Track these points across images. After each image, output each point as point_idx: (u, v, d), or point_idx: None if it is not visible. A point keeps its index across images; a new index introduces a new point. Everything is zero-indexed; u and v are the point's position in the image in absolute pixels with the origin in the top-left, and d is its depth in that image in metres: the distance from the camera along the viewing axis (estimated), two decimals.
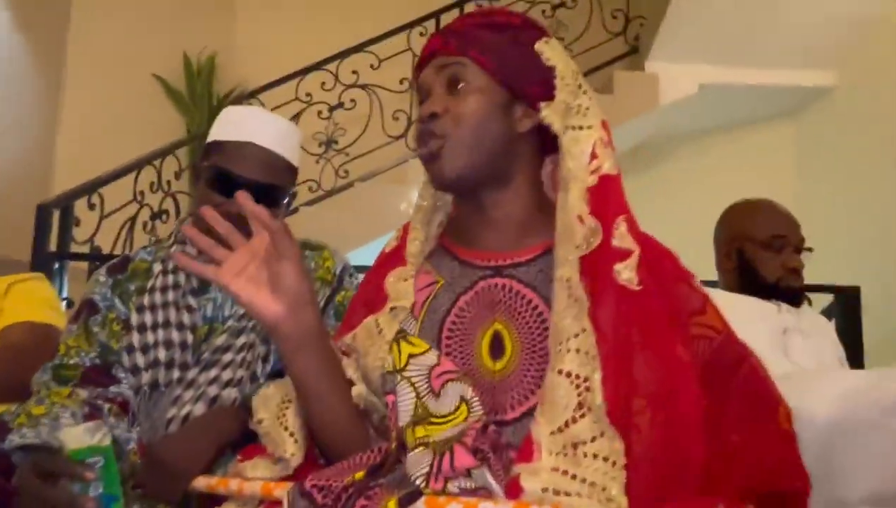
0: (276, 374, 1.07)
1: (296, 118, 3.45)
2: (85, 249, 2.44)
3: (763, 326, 1.40)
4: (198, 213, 1.13)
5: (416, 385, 0.73)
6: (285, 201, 1.14)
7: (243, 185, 1.04)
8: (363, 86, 3.47)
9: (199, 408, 0.99)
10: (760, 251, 1.45)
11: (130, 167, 2.67)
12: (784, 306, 1.43)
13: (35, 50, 3.33)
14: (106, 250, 2.58)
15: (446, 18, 3.61)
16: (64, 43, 3.62)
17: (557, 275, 0.71)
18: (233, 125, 1.07)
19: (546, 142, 0.81)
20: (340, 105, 3.46)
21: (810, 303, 1.92)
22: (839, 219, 3.31)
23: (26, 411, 0.92)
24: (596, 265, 0.70)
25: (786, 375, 1.07)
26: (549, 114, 0.77)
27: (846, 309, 2.10)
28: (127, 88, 3.74)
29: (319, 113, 3.48)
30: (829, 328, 1.51)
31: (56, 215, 2.24)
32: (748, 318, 1.40)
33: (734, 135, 3.94)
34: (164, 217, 2.90)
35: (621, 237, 0.72)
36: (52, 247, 2.26)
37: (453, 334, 0.76)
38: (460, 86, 0.78)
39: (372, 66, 3.44)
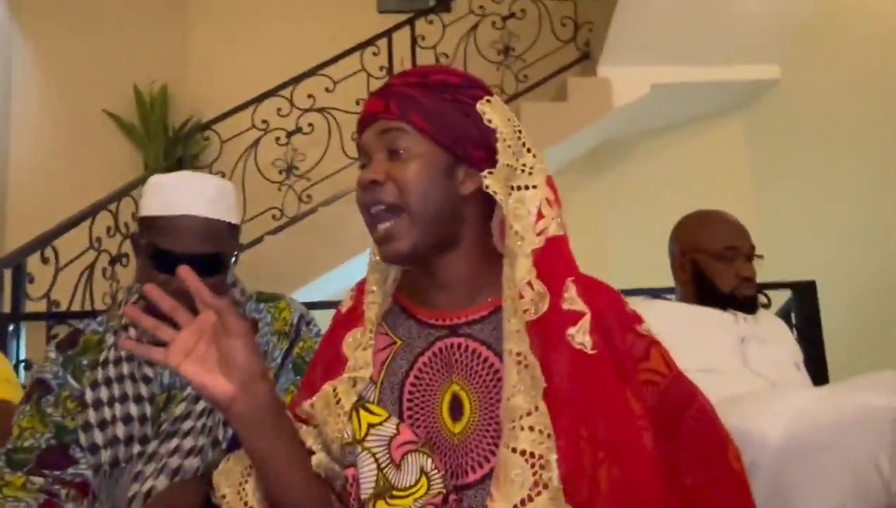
0: (238, 438, 1.06)
1: (253, 146, 3.42)
2: (41, 305, 2.37)
3: (722, 337, 1.43)
4: (142, 291, 1.12)
5: (377, 456, 0.73)
6: (232, 260, 1.13)
7: (183, 260, 1.03)
8: (319, 110, 3.45)
9: (162, 482, 0.98)
10: (714, 262, 1.48)
11: (84, 214, 2.61)
12: (740, 315, 1.47)
13: None
14: (64, 302, 2.52)
15: (398, 37, 3.62)
16: (8, 83, 3.53)
17: (506, 348, 0.71)
18: (163, 198, 1.04)
19: (491, 198, 0.80)
20: (298, 130, 3.44)
21: (769, 303, 1.97)
22: (795, 211, 3.40)
23: None
24: (546, 330, 0.70)
25: (737, 397, 1.09)
26: (492, 182, 0.77)
27: (803, 304, 2.16)
28: (78, 126, 3.66)
29: (277, 139, 3.46)
30: (785, 332, 1.54)
31: (8, 274, 2.18)
32: (708, 330, 1.44)
33: (688, 131, 4.02)
34: (123, 260, 2.84)
35: (571, 300, 0.72)
36: (6, 307, 2.20)
37: (414, 396, 0.76)
38: (401, 152, 0.77)
39: (327, 89, 3.43)
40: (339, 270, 3.32)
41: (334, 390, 0.78)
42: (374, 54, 3.54)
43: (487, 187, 0.77)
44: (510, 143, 0.78)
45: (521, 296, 0.72)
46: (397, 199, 0.76)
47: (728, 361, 1.40)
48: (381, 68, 3.55)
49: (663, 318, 1.27)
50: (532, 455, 0.66)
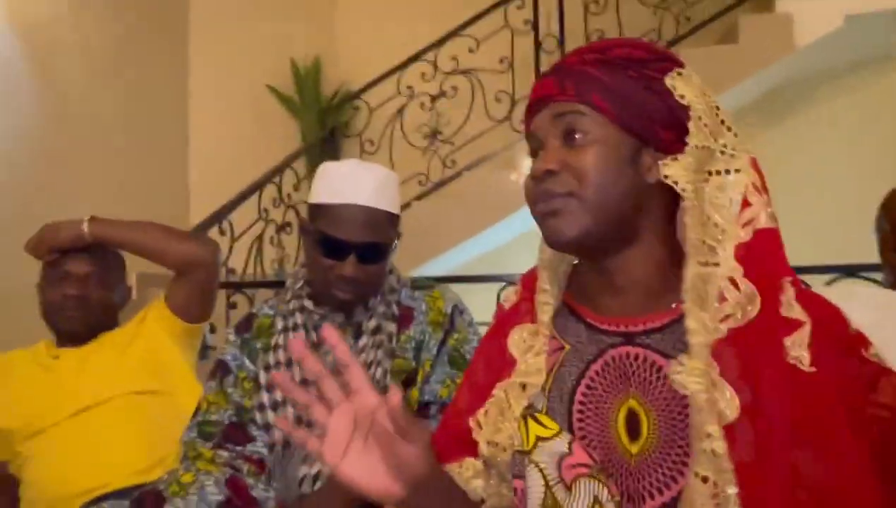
0: None
1: (400, 112, 3.48)
2: (220, 273, 2.64)
3: None
4: (307, 276, 1.16)
5: (545, 472, 0.68)
6: (392, 249, 1.14)
7: (349, 248, 1.05)
8: (464, 72, 3.40)
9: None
10: None
11: (253, 188, 2.83)
12: None
13: (158, 75, 3.61)
14: (238, 269, 2.78)
15: None
16: (186, 66, 3.89)
17: (690, 367, 0.62)
18: (331, 186, 1.08)
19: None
20: (442, 94, 3.42)
21: None
22: None
23: (177, 479, 1.01)
24: (758, 338, 0.60)
25: None
26: (675, 170, 0.67)
27: None
28: (246, 104, 3.95)
29: (422, 104, 3.47)
30: None
31: None
32: None
33: (880, 69, 3.40)
34: (288, 229, 3.05)
35: (789, 304, 0.61)
36: None
37: (585, 408, 0.70)
38: (578, 137, 0.68)
39: (470, 50, 3.36)
40: (484, 235, 3.31)
41: (506, 394, 0.74)
42: (518, 8, 3.39)
43: (667, 177, 0.67)
44: (706, 121, 0.67)
45: (723, 299, 0.62)
46: (573, 188, 0.67)
47: None
48: (526, 22, 3.39)
49: (868, 308, 1.07)
50: (714, 483, 0.58)
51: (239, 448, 1.08)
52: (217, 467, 1.04)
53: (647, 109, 0.67)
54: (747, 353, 0.60)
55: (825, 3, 3.03)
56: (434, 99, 3.45)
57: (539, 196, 0.70)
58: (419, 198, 3.41)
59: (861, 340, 0.65)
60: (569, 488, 0.66)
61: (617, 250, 0.69)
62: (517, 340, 0.75)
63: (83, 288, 1.41)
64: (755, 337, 0.60)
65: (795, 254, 0.74)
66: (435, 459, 0.64)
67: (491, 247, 3.58)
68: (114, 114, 3.20)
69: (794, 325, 0.60)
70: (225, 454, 1.07)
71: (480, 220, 3.25)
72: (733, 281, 0.62)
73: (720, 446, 0.59)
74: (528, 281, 0.79)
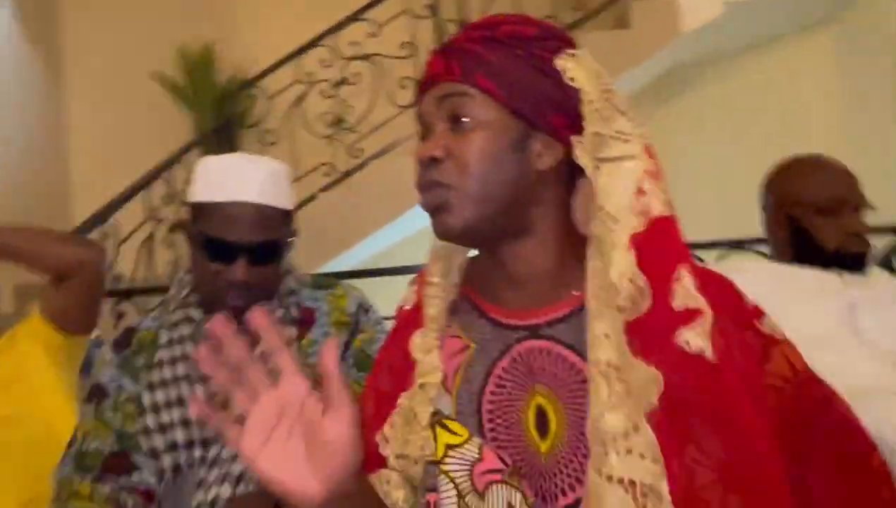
0: None
1: (300, 100, 3.33)
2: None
3: (827, 302, 1.27)
4: (193, 283, 1.06)
5: (457, 481, 0.64)
6: (287, 246, 1.06)
7: (238, 250, 0.96)
8: (365, 57, 3.30)
9: (226, 490, 0.94)
10: (816, 217, 1.30)
11: (139, 186, 2.61)
12: (847, 276, 1.29)
13: (33, 59, 3.25)
14: (127, 275, 2.56)
15: None
16: (61, 53, 3.53)
17: (592, 358, 0.60)
18: (214, 183, 0.98)
19: (575, 171, 0.68)
20: (344, 80, 3.31)
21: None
22: (893, 141, 3.05)
23: None
24: (650, 333, 0.59)
25: (864, 393, 0.95)
26: (581, 153, 0.64)
27: None
28: (128, 92, 3.65)
29: (323, 92, 3.34)
30: None
31: None
32: (808, 295, 1.27)
33: (766, 52, 3.64)
34: (181, 228, 2.85)
35: (685, 294, 0.59)
36: None
37: (495, 407, 0.66)
38: (464, 121, 0.65)
39: (372, 34, 3.26)
40: (396, 224, 3.25)
41: (410, 403, 0.69)
42: None
43: (578, 158, 0.64)
44: (598, 106, 0.64)
45: (617, 291, 0.61)
46: (455, 180, 0.64)
47: (834, 332, 1.23)
48: (427, 7, 3.33)
49: (757, 282, 1.11)
50: (633, 483, 0.56)
51: (122, 478, 0.97)
52: (97, 504, 0.92)
53: (537, 92, 0.64)
54: (643, 348, 0.58)
55: None
56: (336, 85, 3.33)
57: (423, 186, 0.66)
58: (325, 189, 3.29)
59: (755, 312, 0.66)
60: (482, 496, 0.63)
61: (509, 241, 0.67)
62: (419, 344, 0.71)
63: None
64: (649, 331, 0.58)
65: (683, 226, 0.73)
66: (360, 455, 0.56)
67: (403, 235, 3.53)
68: None
69: (691, 315, 0.58)
70: (106, 488, 0.95)
71: (391, 209, 3.18)
72: (627, 276, 0.60)
73: (640, 443, 0.57)
74: (424, 277, 0.74)
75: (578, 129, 0.64)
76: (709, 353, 0.57)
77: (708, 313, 0.59)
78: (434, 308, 0.71)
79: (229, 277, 0.97)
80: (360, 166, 3.31)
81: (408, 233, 3.49)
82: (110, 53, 3.59)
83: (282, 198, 1.01)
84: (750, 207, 1.44)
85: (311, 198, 3.26)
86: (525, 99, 0.64)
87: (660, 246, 0.61)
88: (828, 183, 1.31)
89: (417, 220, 3.60)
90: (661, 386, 0.57)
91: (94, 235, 2.31)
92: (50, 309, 1.28)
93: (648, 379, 0.58)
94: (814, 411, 0.64)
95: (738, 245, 1.90)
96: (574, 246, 0.67)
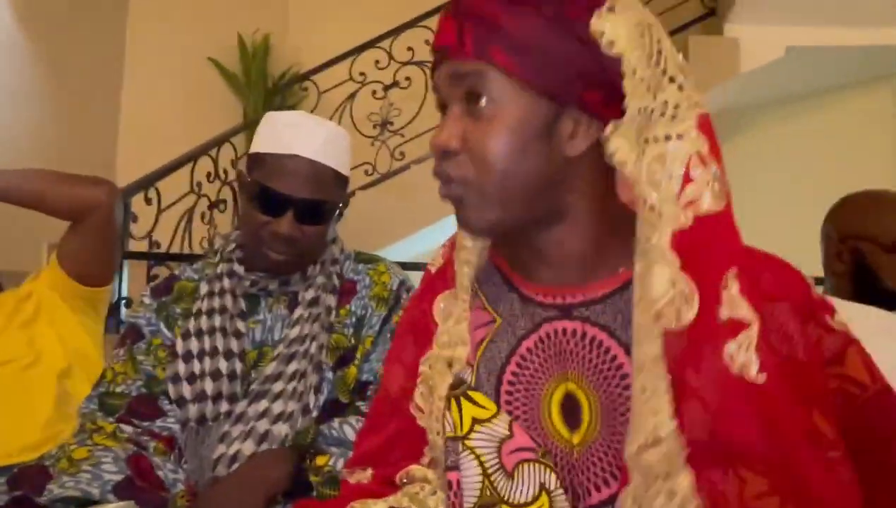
0: (330, 406, 0.99)
1: (350, 99, 3.36)
2: (143, 245, 2.44)
3: (890, 343, 1.21)
4: (240, 239, 1.05)
5: (483, 458, 0.59)
6: (336, 213, 1.04)
7: (288, 204, 0.95)
8: (418, 63, 3.33)
9: (248, 446, 0.92)
10: (882, 254, 1.24)
11: (186, 159, 2.65)
12: None
13: (94, 39, 3.36)
14: (164, 243, 2.58)
15: None
16: (123, 31, 3.64)
17: (637, 354, 0.53)
18: (274, 135, 0.98)
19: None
20: (395, 84, 3.34)
21: None
22: None
23: (67, 454, 0.87)
24: (693, 346, 0.51)
25: None
26: (619, 143, 0.54)
27: None
28: (185, 75, 3.74)
29: (374, 93, 3.38)
30: None
31: None
32: (870, 334, 1.22)
33: (824, 101, 3.59)
34: (221, 206, 2.88)
35: (732, 302, 0.51)
36: None
37: (515, 389, 0.61)
38: (481, 104, 0.55)
39: (427, 42, 3.28)
40: (429, 230, 3.24)
41: (430, 369, 0.64)
42: None
43: (613, 154, 0.54)
44: (643, 75, 0.53)
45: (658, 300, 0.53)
46: (472, 178, 0.56)
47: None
48: None
49: None
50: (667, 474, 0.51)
51: (146, 423, 0.95)
52: (118, 442, 0.91)
53: (567, 64, 0.54)
54: (683, 363, 0.51)
55: (769, 32, 3.16)
56: (387, 88, 3.36)
57: (440, 178, 0.59)
58: (364, 188, 3.31)
59: (824, 306, 0.59)
60: (510, 475, 0.58)
61: (539, 229, 0.59)
62: (442, 308, 0.66)
63: None
64: (692, 345, 0.51)
65: None
66: None
67: (435, 243, 3.52)
68: (45, 73, 2.94)
69: (738, 327, 0.51)
70: (129, 429, 0.94)
71: (426, 215, 3.17)
72: (668, 277, 0.52)
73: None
74: (455, 241, 0.68)
75: (619, 101, 0.54)
76: (754, 371, 0.50)
77: (755, 325, 0.51)
78: (464, 275, 0.65)
79: (275, 229, 0.96)
80: (401, 169, 3.32)
81: (439, 241, 3.48)
82: (171, 35, 3.68)
83: (338, 161, 1.00)
84: (801, 249, 1.40)
85: (351, 195, 3.27)
86: (553, 75, 0.54)
87: (708, 245, 0.52)
88: None
89: (450, 230, 3.58)
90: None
91: (135, 200, 2.35)
92: (66, 255, 1.26)
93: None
94: (888, 426, 0.59)
95: None
96: (616, 222, 0.58)
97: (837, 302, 1.32)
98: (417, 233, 3.22)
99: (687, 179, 0.53)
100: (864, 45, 3.19)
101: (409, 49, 3.32)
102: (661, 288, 0.52)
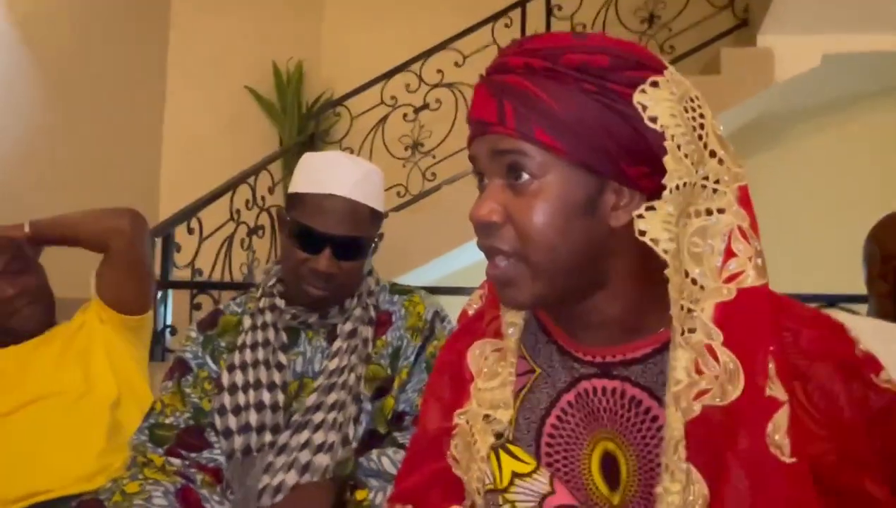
0: (368, 437, 1.01)
1: (381, 122, 3.42)
2: (186, 273, 2.52)
3: None
4: (280, 273, 1.09)
5: None
6: (372, 247, 1.08)
7: (325, 241, 0.99)
8: (448, 85, 3.37)
9: (292, 477, 0.95)
10: None
11: (226, 188, 2.73)
12: None
13: (135, 71, 3.50)
14: (206, 270, 2.66)
15: (532, 7, 3.43)
16: (164, 62, 3.79)
17: (672, 403, 0.53)
18: (312, 175, 1.02)
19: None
20: (426, 106, 3.39)
21: None
22: None
23: (121, 488, 0.91)
24: (739, 424, 0.50)
25: None
26: (651, 225, 0.54)
27: None
28: (222, 103, 3.86)
29: (405, 115, 3.43)
30: None
31: (158, 243, 2.32)
32: None
33: (862, 108, 3.50)
34: (260, 232, 2.96)
35: (773, 382, 0.50)
36: (156, 274, 2.35)
37: (555, 442, 0.61)
38: (524, 178, 0.55)
39: (456, 64, 3.34)
40: (462, 249, 3.26)
41: (471, 429, 0.64)
42: (507, 26, 3.39)
43: (643, 234, 0.54)
44: (686, 150, 0.53)
45: (699, 370, 0.52)
46: (518, 249, 0.57)
47: None
48: (513, 41, 3.39)
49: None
50: None
51: (193, 454, 0.99)
52: (167, 476, 0.95)
53: (609, 140, 0.54)
54: (719, 441, 0.51)
55: (804, 41, 3.10)
56: (417, 110, 3.41)
57: (485, 250, 0.59)
58: (397, 209, 3.35)
59: (870, 363, 0.57)
60: None
61: (584, 296, 0.59)
62: (477, 356, 0.66)
63: (27, 283, 1.30)
64: (738, 422, 0.50)
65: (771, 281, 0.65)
66: None
67: (468, 263, 3.54)
68: (90, 104, 3.08)
69: (775, 407, 0.50)
70: (177, 461, 0.98)
71: (459, 235, 3.19)
72: (711, 351, 0.52)
73: None
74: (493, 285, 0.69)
75: (662, 174, 0.54)
76: (787, 453, 0.50)
77: (786, 405, 0.51)
78: (512, 336, 0.65)
79: (314, 266, 1.00)
80: (433, 190, 3.36)
81: (472, 260, 3.50)
82: (209, 63, 3.81)
83: (373, 198, 1.03)
84: (838, 265, 1.36)
85: (384, 217, 3.32)
86: (596, 151, 0.54)
87: (750, 320, 0.52)
88: None
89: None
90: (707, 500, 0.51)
91: (178, 231, 2.43)
92: (102, 286, 1.33)
93: (698, 490, 0.51)
94: None
95: (831, 301, 1.79)
96: (656, 284, 0.57)
97: (881, 323, 1.30)
98: (451, 253, 3.24)
99: (729, 253, 0.53)
100: None
101: (439, 71, 3.37)
102: (705, 363, 0.52)
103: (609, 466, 0.59)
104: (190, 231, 2.48)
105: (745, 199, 0.55)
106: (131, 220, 1.33)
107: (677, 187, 0.54)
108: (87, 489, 1.06)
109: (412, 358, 1.06)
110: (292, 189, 1.04)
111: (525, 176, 0.55)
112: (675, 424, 0.53)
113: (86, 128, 3.06)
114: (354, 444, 0.98)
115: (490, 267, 0.59)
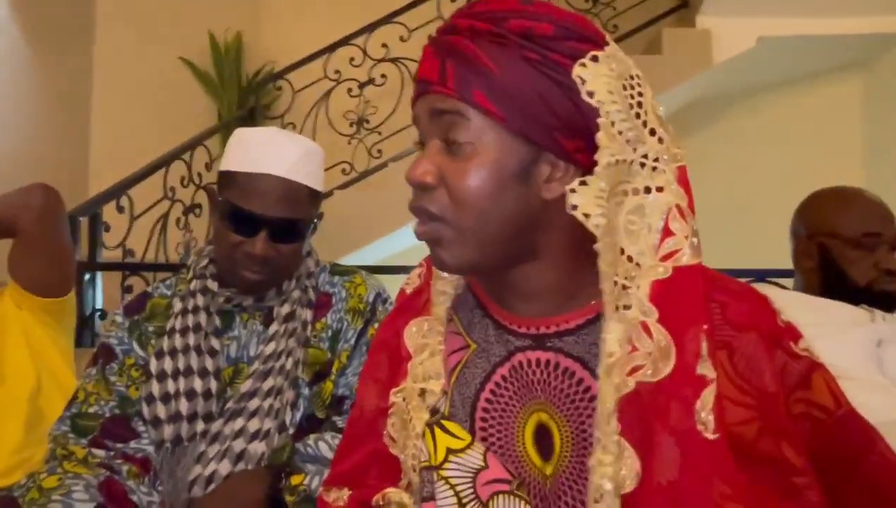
0: (306, 421, 0.98)
1: (325, 97, 3.33)
2: (116, 254, 2.39)
3: (854, 336, 1.23)
4: (213, 254, 1.04)
5: (458, 489, 0.59)
6: (311, 228, 1.04)
7: (261, 223, 0.94)
8: (393, 60, 3.31)
9: (225, 466, 0.91)
10: (849, 250, 1.27)
11: (158, 164, 2.60)
12: (878, 313, 1.25)
13: (60, 44, 3.28)
14: (138, 251, 2.54)
15: None
16: (91, 34, 3.56)
17: (604, 378, 0.53)
18: (246, 153, 0.96)
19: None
20: (371, 81, 3.31)
21: None
22: None
23: (38, 484, 0.85)
24: (667, 403, 0.51)
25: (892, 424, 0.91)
26: (583, 200, 0.54)
27: None
28: (155, 74, 3.67)
29: (349, 90, 3.35)
30: None
31: (84, 223, 2.19)
32: (836, 327, 1.24)
33: (794, 90, 3.64)
34: (197, 211, 2.84)
35: (703, 360, 0.51)
36: (83, 256, 2.21)
37: (489, 416, 0.61)
38: (461, 143, 0.55)
39: (402, 38, 3.27)
40: (408, 228, 3.23)
41: (406, 406, 0.63)
42: (452, 0, 3.33)
43: (574, 208, 0.54)
44: (621, 128, 0.54)
45: (633, 348, 0.53)
46: (447, 214, 0.57)
47: (859, 366, 1.20)
48: (467, 3, 3.34)
49: (784, 311, 1.08)
50: None
51: (119, 445, 0.94)
52: (89, 468, 0.89)
53: (546, 111, 0.54)
54: (650, 416, 0.52)
55: (740, 23, 3.18)
56: (362, 86, 3.33)
57: (415, 212, 0.59)
58: (342, 187, 3.28)
59: (790, 332, 0.59)
60: (485, 506, 0.58)
61: (516, 266, 0.59)
62: (414, 334, 0.66)
63: None
64: (667, 400, 0.51)
65: (705, 255, 0.63)
66: None
67: (414, 243, 3.51)
68: (11, 73, 2.86)
69: (703, 384, 0.51)
70: (101, 452, 0.92)
71: (405, 214, 3.12)
72: (646, 328, 0.53)
73: None
74: (431, 263, 0.67)
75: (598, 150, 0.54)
76: (711, 429, 0.51)
77: (714, 382, 0.51)
78: (441, 306, 0.65)
79: (249, 250, 0.95)
80: (379, 168, 3.31)
81: (417, 241, 3.48)
82: (140, 33, 3.61)
83: (311, 178, 0.99)
84: (770, 241, 1.41)
85: (328, 195, 3.24)
86: (533, 120, 0.54)
87: (684, 298, 0.53)
88: (866, 217, 1.28)
89: None
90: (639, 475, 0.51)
91: (107, 209, 2.30)
92: (15, 268, 1.23)
93: (631, 465, 0.52)
94: (854, 449, 0.59)
95: (760, 275, 1.86)
96: (589, 257, 0.57)
97: (805, 298, 1.35)
98: (396, 232, 3.21)
99: (667, 232, 0.54)
100: (833, 35, 3.23)
101: (384, 46, 3.29)
102: (638, 339, 0.53)
103: (542, 437, 0.59)
104: (120, 209, 2.36)
105: (683, 179, 0.56)
106: (41, 196, 1.22)
107: (609, 164, 0.54)
108: (3, 485, 0.99)
109: (352, 341, 1.03)
110: (224, 167, 0.98)
111: (461, 142, 0.56)
112: (607, 397, 0.53)
113: (6, 100, 2.85)
114: (291, 430, 0.95)
115: (418, 224, 0.59)
